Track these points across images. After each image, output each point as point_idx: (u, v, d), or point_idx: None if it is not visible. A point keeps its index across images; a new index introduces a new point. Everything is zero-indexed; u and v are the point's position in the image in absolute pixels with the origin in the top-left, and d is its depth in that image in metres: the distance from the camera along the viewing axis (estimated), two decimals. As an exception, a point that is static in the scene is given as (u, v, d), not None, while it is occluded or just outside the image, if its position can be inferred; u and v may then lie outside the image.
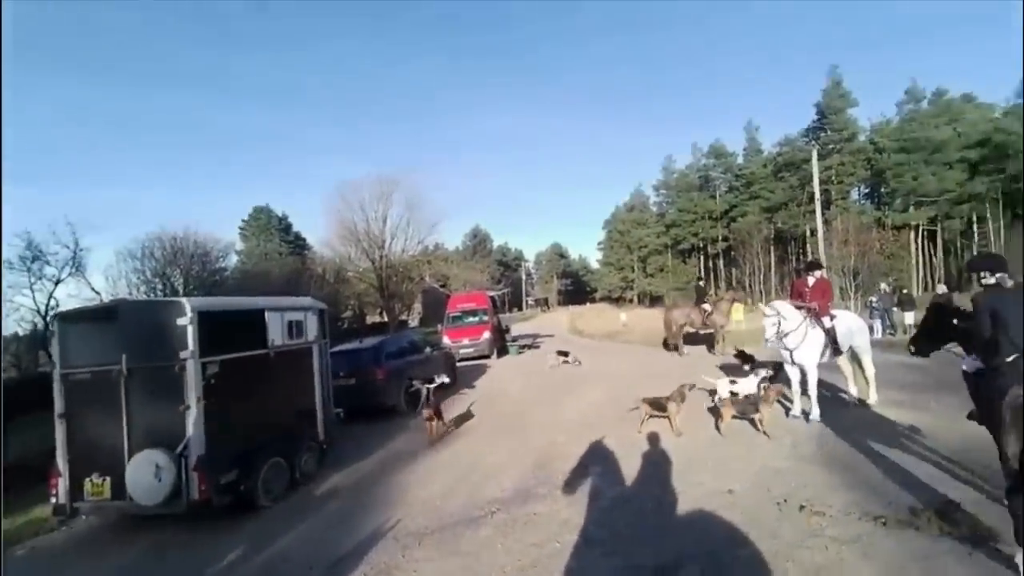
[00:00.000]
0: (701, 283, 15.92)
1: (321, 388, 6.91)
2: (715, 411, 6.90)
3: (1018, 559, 3.03)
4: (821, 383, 7.50)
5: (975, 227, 41.22)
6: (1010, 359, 3.48)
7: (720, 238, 57.43)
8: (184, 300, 5.19)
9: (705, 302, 14.36)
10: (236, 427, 5.39)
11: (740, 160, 58.26)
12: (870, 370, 7.14)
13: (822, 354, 6.71)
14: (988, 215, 39.78)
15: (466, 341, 17.05)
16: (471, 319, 18.34)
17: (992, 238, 38.80)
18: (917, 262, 43.59)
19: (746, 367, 8.44)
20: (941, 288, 18.00)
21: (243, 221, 55.80)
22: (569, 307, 69.53)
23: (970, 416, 3.89)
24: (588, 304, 72.27)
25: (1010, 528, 3.47)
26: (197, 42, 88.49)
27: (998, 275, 3.71)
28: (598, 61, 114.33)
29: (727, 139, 59.98)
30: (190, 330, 5.00)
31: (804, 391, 6.81)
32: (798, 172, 46.73)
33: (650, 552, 3.68)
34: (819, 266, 7.76)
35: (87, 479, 5.16)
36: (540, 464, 5.98)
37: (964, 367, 3.93)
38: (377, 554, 4.14)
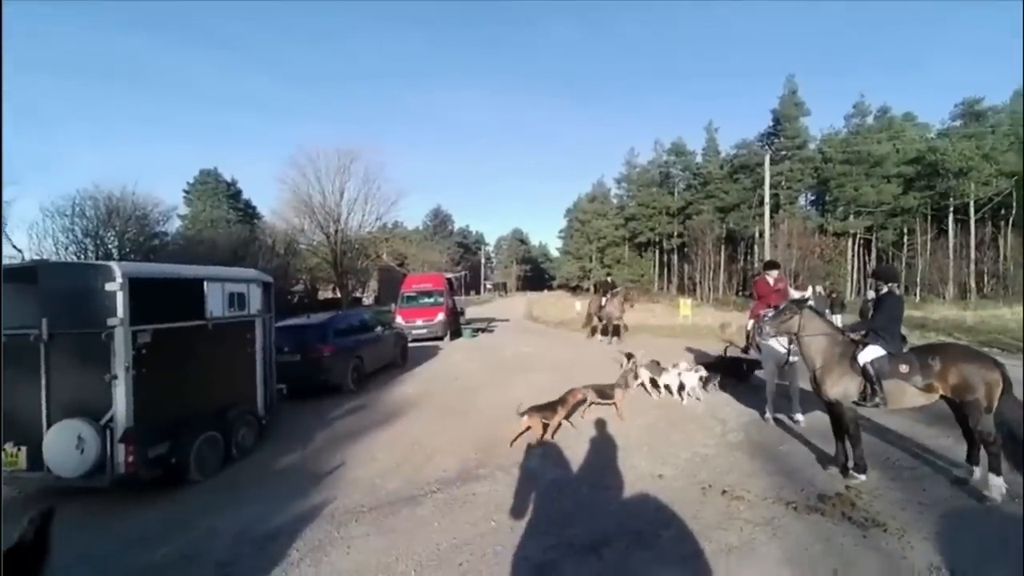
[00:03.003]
0: (609, 278, 16.56)
1: (263, 363, 6.71)
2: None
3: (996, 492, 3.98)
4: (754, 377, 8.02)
5: (905, 239, 44.26)
6: (906, 350, 4.37)
7: (675, 234, 59.12)
8: (114, 264, 4.89)
9: (605, 295, 15.07)
10: (168, 399, 5.17)
11: (699, 159, 59.90)
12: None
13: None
14: (917, 228, 42.80)
15: (420, 322, 16.93)
16: (426, 300, 18.21)
17: (919, 250, 41.82)
18: (852, 268, 46.46)
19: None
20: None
21: (188, 184, 52.70)
22: (527, 293, 70.15)
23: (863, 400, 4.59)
24: (546, 291, 73.03)
25: (898, 513, 3.88)
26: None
27: (892, 284, 4.91)
28: (570, 52, 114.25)
29: (688, 138, 61.58)
30: (119, 296, 4.73)
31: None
32: (752, 175, 48.60)
33: (581, 531, 3.84)
34: (777, 265, 7.92)
35: (0, 448, 4.84)
36: (483, 446, 6.07)
37: (865, 359, 4.48)
38: (311, 531, 4.12)
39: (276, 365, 7.21)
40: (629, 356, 8.85)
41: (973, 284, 37.66)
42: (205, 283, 5.86)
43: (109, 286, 4.76)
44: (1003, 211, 38.98)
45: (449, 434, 6.63)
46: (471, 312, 25.64)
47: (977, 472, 4.29)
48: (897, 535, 3.55)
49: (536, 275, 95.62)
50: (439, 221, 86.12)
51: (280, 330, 8.66)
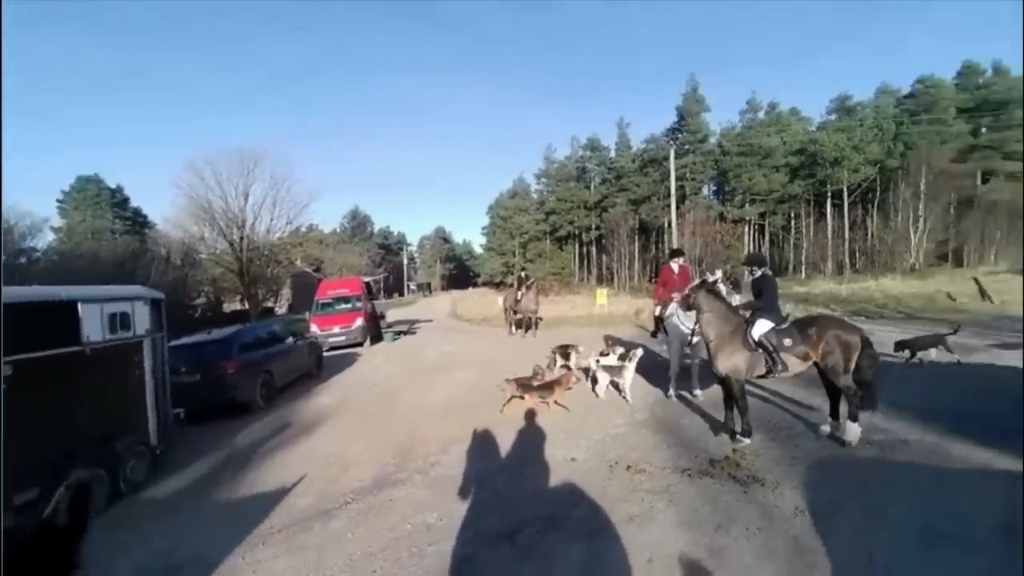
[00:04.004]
0: (523, 273, 17.21)
1: (154, 387, 6.17)
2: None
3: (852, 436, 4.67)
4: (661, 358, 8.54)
5: (792, 223, 49.11)
6: (786, 325, 4.87)
7: (593, 227, 61.36)
8: (-47, 290, 4.29)
9: (520, 289, 15.75)
10: (38, 437, 4.62)
11: (612, 154, 62.53)
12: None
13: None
14: (802, 213, 47.64)
15: (337, 329, 16.31)
16: (343, 306, 17.55)
17: (804, 232, 46.58)
18: (748, 251, 50.78)
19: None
20: (748, 277, 21.45)
21: (63, 193, 46.86)
22: (452, 292, 69.64)
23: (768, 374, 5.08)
24: (471, 288, 72.96)
25: (774, 468, 4.35)
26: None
27: (764, 268, 5.53)
28: (488, 45, 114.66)
29: (602, 133, 64.07)
30: (-36, 326, 4.16)
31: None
32: (660, 168, 51.48)
33: (496, 521, 3.94)
34: (682, 253, 8.32)
35: None
36: (402, 451, 6.01)
37: (758, 334, 4.95)
38: (216, 559, 3.88)
39: (172, 388, 6.68)
40: (566, 355, 9.07)
41: (847, 261, 42.61)
42: (79, 304, 5.29)
43: (-50, 315, 4.16)
44: (870, 195, 44.34)
45: (366, 441, 6.49)
46: (393, 315, 25.10)
47: (840, 425, 4.93)
48: (772, 487, 3.99)
49: (461, 273, 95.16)
50: (358, 223, 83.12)
51: (176, 349, 8.04)
